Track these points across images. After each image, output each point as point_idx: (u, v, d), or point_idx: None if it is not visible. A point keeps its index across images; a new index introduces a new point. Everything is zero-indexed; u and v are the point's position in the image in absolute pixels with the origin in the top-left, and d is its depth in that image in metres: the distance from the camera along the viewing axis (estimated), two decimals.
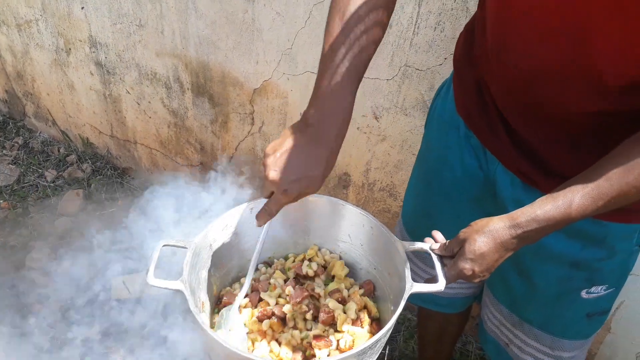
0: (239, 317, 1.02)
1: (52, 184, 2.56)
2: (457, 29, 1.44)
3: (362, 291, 1.10)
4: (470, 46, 1.04)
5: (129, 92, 2.33)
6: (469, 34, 1.06)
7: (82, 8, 2.18)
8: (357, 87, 0.88)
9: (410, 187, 1.35)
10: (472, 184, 1.13)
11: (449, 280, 0.89)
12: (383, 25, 0.90)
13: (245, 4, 1.75)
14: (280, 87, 1.87)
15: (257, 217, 0.92)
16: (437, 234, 0.96)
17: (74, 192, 2.52)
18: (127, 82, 2.29)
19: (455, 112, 1.11)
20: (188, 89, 2.13)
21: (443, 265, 0.92)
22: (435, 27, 1.47)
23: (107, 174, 2.62)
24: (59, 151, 2.78)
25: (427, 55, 1.52)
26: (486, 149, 1.07)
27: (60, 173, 2.65)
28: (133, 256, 2.03)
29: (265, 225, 0.94)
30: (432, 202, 1.24)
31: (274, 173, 0.84)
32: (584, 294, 1.06)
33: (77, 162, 2.70)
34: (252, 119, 2.03)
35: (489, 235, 0.83)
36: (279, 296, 1.08)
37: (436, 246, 0.94)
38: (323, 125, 0.84)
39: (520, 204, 1.02)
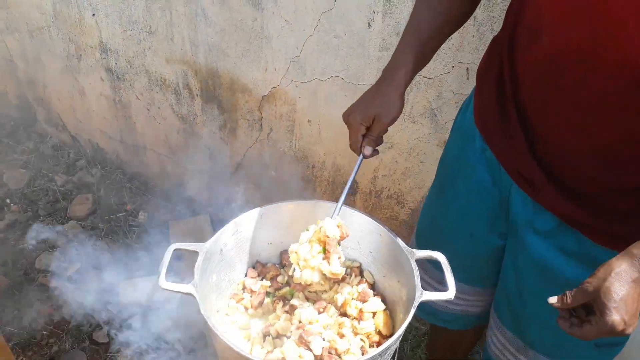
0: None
1: (62, 188, 2.59)
2: (464, 38, 1.45)
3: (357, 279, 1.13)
4: (494, 54, 1.07)
5: (138, 98, 2.36)
6: (493, 44, 1.09)
7: (93, 15, 2.22)
8: (418, 49, 1.06)
9: (427, 201, 1.35)
10: (485, 200, 1.13)
11: (593, 336, 0.84)
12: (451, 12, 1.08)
13: (254, 12, 1.77)
14: (289, 94, 1.89)
15: (363, 148, 1.07)
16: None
17: (83, 196, 2.54)
18: (137, 88, 2.32)
19: (472, 124, 1.12)
20: (197, 95, 2.15)
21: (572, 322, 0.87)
22: None
23: (116, 178, 2.65)
24: (69, 156, 2.81)
25: (434, 64, 1.53)
26: (501, 166, 1.06)
27: (70, 177, 2.67)
28: (142, 260, 2.05)
29: (361, 156, 1.08)
30: (446, 216, 1.23)
31: (352, 113, 1.06)
32: (550, 299, 1.04)
33: (86, 166, 2.73)
34: (261, 125, 2.05)
35: (619, 278, 0.80)
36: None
37: (554, 299, 0.89)
38: (389, 72, 1.07)
39: (531, 226, 1.02)
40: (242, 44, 1.87)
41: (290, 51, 1.78)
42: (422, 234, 1.34)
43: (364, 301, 1.04)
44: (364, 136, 1.06)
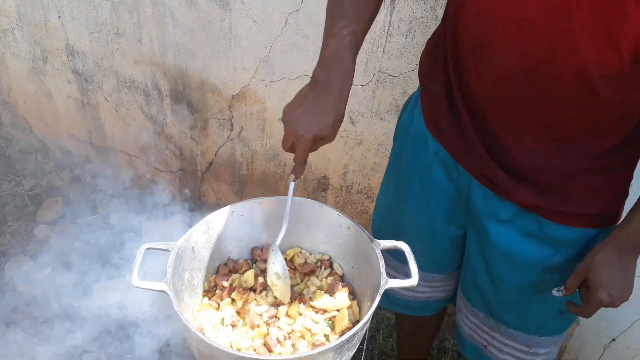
0: (280, 255, 1.08)
1: (30, 192, 2.55)
2: (427, 36, 1.49)
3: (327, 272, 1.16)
4: (438, 58, 1.06)
5: (107, 100, 2.34)
6: (435, 47, 1.08)
7: (59, 17, 2.19)
8: (355, 50, 0.97)
9: (381, 202, 1.35)
10: (443, 198, 1.16)
11: (590, 313, 1.01)
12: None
13: (222, 13, 1.79)
14: (259, 93, 1.91)
15: (291, 172, 1.00)
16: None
17: (53, 200, 2.51)
18: (106, 89, 2.31)
19: (423, 127, 1.13)
20: (167, 95, 2.15)
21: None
22: (407, 35, 1.53)
23: (86, 181, 2.62)
24: (36, 159, 2.77)
25: (399, 62, 1.58)
26: (457, 164, 1.09)
27: (38, 181, 2.64)
28: (114, 262, 2.04)
29: (293, 182, 1.02)
30: (405, 217, 1.25)
31: (291, 124, 0.94)
32: (554, 292, 1.10)
33: (55, 170, 2.69)
34: (231, 124, 2.07)
35: (602, 259, 0.95)
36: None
37: (559, 293, 1.05)
38: (329, 79, 0.94)
39: (496, 219, 1.07)
40: (211, 44, 1.89)
41: (259, 51, 1.80)
42: (380, 233, 1.35)
43: (332, 293, 1.08)
44: None
